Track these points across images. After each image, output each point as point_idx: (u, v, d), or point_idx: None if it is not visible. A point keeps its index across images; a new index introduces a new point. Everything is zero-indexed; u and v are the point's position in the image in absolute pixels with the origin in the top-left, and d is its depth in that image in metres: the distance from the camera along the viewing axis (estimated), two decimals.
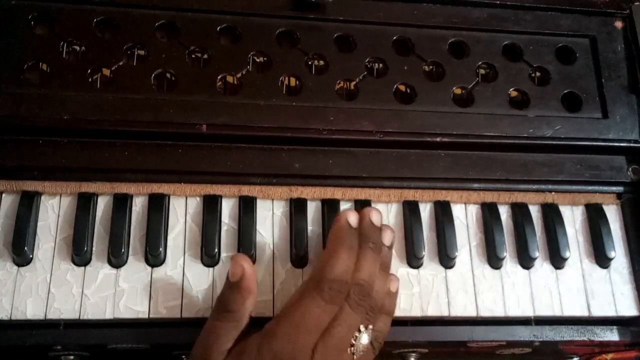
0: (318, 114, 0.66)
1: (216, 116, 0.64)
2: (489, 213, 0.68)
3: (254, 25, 0.68)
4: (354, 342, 0.55)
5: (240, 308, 0.55)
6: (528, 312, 0.66)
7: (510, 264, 0.67)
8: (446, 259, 0.66)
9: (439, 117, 0.68)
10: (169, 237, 0.63)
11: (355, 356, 0.55)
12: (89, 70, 0.64)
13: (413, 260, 0.65)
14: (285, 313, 0.55)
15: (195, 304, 0.61)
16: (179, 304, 0.60)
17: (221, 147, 0.65)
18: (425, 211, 0.68)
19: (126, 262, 0.61)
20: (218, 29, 0.68)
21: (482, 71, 0.73)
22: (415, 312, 0.64)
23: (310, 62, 0.70)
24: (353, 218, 0.59)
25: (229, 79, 0.67)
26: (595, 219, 0.70)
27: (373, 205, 0.67)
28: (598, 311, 0.67)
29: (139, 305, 0.60)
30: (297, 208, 0.65)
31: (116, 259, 0.61)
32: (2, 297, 0.58)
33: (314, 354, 0.53)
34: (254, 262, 0.63)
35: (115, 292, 0.60)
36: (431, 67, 0.72)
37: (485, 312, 0.65)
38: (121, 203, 0.63)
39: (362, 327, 0.56)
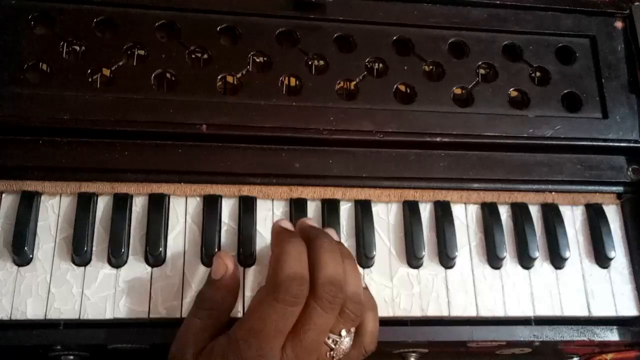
0: (318, 114, 0.66)
1: (216, 116, 0.64)
2: (489, 213, 0.68)
3: (254, 25, 0.68)
4: (333, 346, 0.53)
5: (219, 306, 0.55)
6: (528, 312, 0.66)
7: (510, 264, 0.67)
8: (446, 259, 0.66)
9: (439, 117, 0.68)
10: (169, 237, 0.63)
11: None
12: (89, 70, 0.64)
13: (413, 260, 0.65)
14: (246, 318, 0.52)
15: None
16: (179, 304, 0.60)
17: (221, 147, 0.65)
18: (425, 211, 0.68)
19: (126, 262, 0.61)
20: (218, 29, 0.68)
21: (482, 71, 0.73)
22: (415, 312, 0.64)
23: (310, 62, 0.70)
24: (286, 222, 0.57)
25: (229, 79, 0.67)
26: (595, 219, 0.70)
27: (373, 205, 0.67)
28: (598, 311, 0.67)
29: (139, 305, 0.60)
30: (297, 208, 0.65)
31: (116, 259, 0.61)
32: (2, 297, 0.58)
33: (283, 356, 0.50)
34: (253, 262, 0.63)
35: (115, 292, 0.60)
36: (431, 67, 0.72)
37: (485, 312, 0.65)
38: (121, 203, 0.63)
39: (343, 332, 0.53)
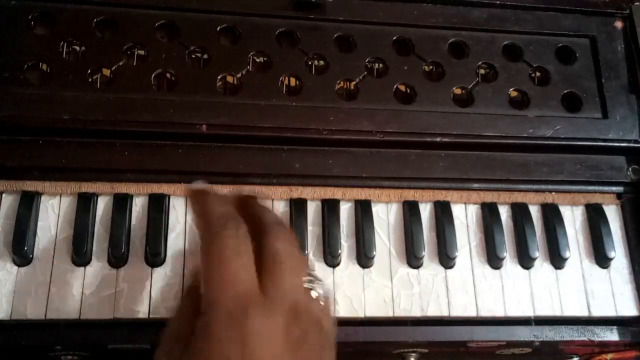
0: (318, 114, 0.66)
1: (216, 116, 0.64)
2: (489, 213, 0.68)
3: (254, 25, 0.68)
4: (312, 285, 0.45)
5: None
6: (528, 312, 0.66)
7: (510, 264, 0.67)
8: (446, 259, 0.66)
9: (439, 117, 0.68)
10: (169, 237, 0.63)
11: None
12: (89, 70, 0.64)
13: (413, 260, 0.65)
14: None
15: None
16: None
17: (221, 147, 0.65)
18: (425, 211, 0.68)
19: (126, 262, 0.61)
20: (218, 29, 0.68)
21: (482, 71, 0.73)
22: (415, 312, 0.64)
23: (310, 62, 0.70)
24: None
25: (229, 79, 0.67)
26: (595, 219, 0.70)
27: (373, 205, 0.67)
28: (598, 311, 0.67)
29: (139, 305, 0.60)
30: (297, 208, 0.65)
31: (116, 259, 0.61)
32: (2, 297, 0.58)
33: None
34: None
35: (115, 292, 0.60)
36: (431, 67, 0.72)
37: (485, 312, 0.65)
38: (121, 203, 0.63)
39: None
